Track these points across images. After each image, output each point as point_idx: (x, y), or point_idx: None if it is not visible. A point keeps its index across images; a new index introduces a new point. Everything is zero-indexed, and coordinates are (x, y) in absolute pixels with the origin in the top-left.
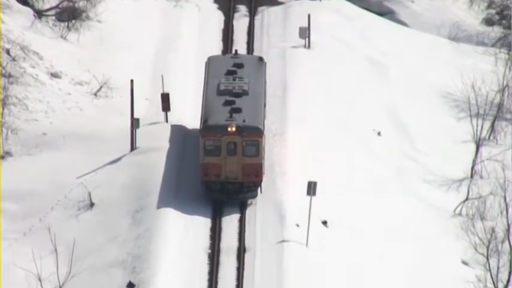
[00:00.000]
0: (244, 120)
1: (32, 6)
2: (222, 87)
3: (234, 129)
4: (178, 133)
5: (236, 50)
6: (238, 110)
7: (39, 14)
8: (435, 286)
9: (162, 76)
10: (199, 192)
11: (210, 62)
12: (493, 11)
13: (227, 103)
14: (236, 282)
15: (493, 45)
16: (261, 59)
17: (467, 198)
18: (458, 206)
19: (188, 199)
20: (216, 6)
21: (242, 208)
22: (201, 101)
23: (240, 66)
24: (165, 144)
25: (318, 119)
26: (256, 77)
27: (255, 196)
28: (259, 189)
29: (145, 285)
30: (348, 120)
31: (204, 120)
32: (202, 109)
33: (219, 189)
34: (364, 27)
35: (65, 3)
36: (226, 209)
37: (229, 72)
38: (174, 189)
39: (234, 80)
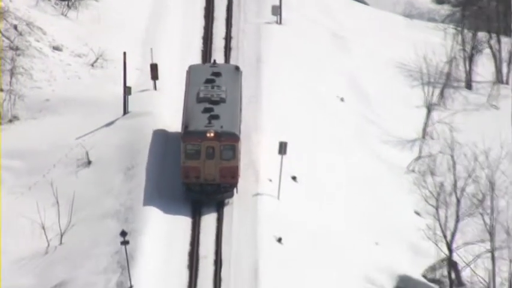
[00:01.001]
0: (221, 127)
1: None
2: (201, 95)
3: (212, 134)
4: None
5: (215, 60)
6: (216, 117)
7: None
8: (391, 233)
9: (151, 49)
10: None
11: (191, 71)
12: None
13: (206, 110)
14: (216, 225)
15: (442, 22)
16: (237, 68)
17: (419, 157)
18: (411, 163)
19: (175, 162)
20: None
21: None
22: (182, 107)
23: (218, 75)
24: (154, 109)
25: (288, 87)
26: (232, 85)
27: (231, 196)
28: (235, 189)
29: (137, 233)
30: (314, 87)
31: (185, 126)
32: (183, 115)
33: (199, 190)
34: (329, 6)
35: None
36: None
37: (208, 81)
38: (162, 151)
39: (212, 88)
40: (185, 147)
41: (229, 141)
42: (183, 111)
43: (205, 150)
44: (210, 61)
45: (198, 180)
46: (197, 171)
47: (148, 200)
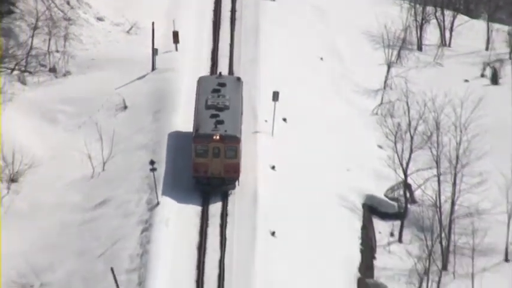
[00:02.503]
0: (226, 130)
1: None
2: (209, 103)
3: (218, 137)
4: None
5: (220, 72)
6: (221, 122)
7: None
8: (359, 162)
9: (173, 20)
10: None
11: (200, 82)
12: None
13: (213, 116)
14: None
15: None
16: (238, 79)
17: (381, 103)
18: (375, 108)
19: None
20: None
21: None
22: (193, 112)
23: (223, 85)
24: (175, 66)
25: (280, 49)
26: (235, 94)
27: (233, 188)
28: (236, 182)
29: (162, 162)
30: (300, 49)
31: (196, 129)
32: (194, 120)
33: (206, 183)
34: None
35: None
36: None
37: (215, 90)
38: (187, 102)
39: (218, 97)
40: (195, 147)
41: (232, 143)
42: (194, 115)
43: (212, 150)
44: (218, 29)
45: (206, 174)
46: (205, 167)
47: (171, 137)
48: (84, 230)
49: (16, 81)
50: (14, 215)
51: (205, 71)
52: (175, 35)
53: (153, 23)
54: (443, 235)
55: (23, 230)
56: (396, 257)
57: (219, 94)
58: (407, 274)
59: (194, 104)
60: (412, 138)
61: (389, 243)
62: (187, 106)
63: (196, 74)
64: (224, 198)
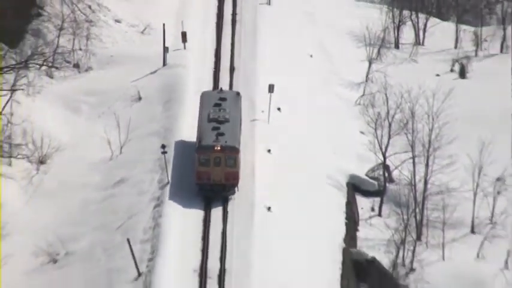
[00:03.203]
0: (226, 142)
1: None
2: (211, 116)
3: (219, 148)
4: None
5: (221, 88)
6: (222, 134)
7: None
8: (344, 146)
9: (182, 21)
10: None
11: (203, 96)
12: None
13: (214, 128)
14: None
15: (379, 3)
16: (238, 93)
17: (363, 94)
18: (358, 99)
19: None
20: None
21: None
22: (197, 125)
23: (223, 99)
24: (183, 62)
25: (275, 47)
26: (234, 108)
27: (233, 193)
28: (236, 188)
29: (172, 146)
30: (292, 47)
31: (199, 141)
32: (197, 131)
33: (209, 189)
34: None
35: None
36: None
37: (216, 105)
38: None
39: (219, 111)
40: (199, 157)
41: (232, 153)
42: (197, 127)
43: (214, 159)
44: (221, 29)
45: (209, 181)
46: (208, 175)
47: (182, 123)
48: (104, 206)
49: (44, 76)
50: (42, 192)
51: (209, 66)
52: (184, 35)
53: (164, 25)
54: (417, 210)
55: (50, 205)
56: (376, 229)
57: (220, 108)
58: (386, 244)
59: (198, 117)
60: (390, 125)
61: (370, 217)
62: (194, 97)
63: (202, 69)
64: None
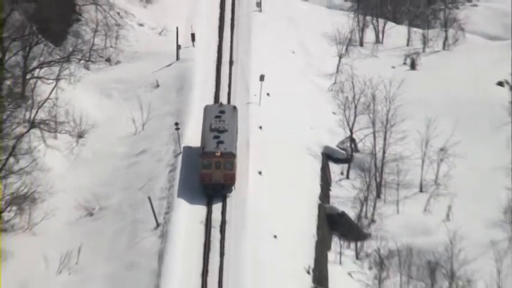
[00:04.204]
0: (225, 148)
1: None
2: (212, 126)
3: (219, 154)
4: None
5: (221, 102)
6: (221, 142)
7: None
8: (320, 123)
9: (191, 25)
10: None
11: (206, 109)
12: None
13: (215, 137)
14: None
15: (347, 10)
16: (235, 107)
17: (334, 82)
18: (330, 86)
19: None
20: None
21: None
22: (201, 132)
23: (223, 112)
24: (192, 57)
25: (267, 46)
26: (232, 119)
27: (230, 191)
28: (233, 187)
29: (184, 124)
30: (278, 45)
31: (203, 147)
32: (201, 139)
33: (211, 188)
34: (287, 2)
35: None
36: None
37: (217, 116)
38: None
39: (219, 122)
40: (202, 161)
41: (229, 158)
42: (201, 135)
43: (215, 163)
44: (222, 31)
45: (210, 181)
46: (210, 176)
47: (192, 105)
48: (129, 171)
49: (82, 68)
50: (81, 160)
51: (213, 60)
52: (193, 36)
53: (177, 28)
54: (377, 174)
55: (87, 170)
56: (345, 189)
57: (220, 119)
58: (353, 201)
59: (202, 127)
60: (355, 107)
61: (340, 180)
62: (201, 85)
63: (207, 62)
64: None
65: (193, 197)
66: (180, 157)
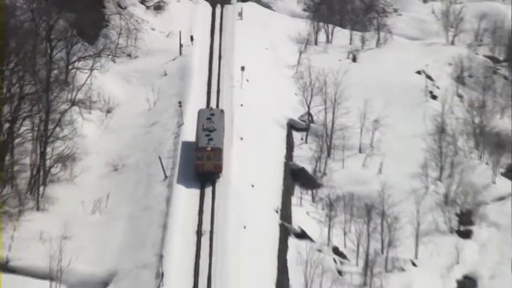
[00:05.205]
0: (214, 144)
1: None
2: (204, 126)
3: (209, 148)
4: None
5: (212, 107)
6: (211, 139)
7: (142, 2)
8: (284, 102)
9: (191, 29)
10: None
11: (199, 112)
12: (310, 3)
13: (206, 135)
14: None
15: (305, 18)
16: (222, 111)
17: (296, 72)
18: (293, 74)
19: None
20: (207, 3)
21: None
22: (195, 130)
23: (212, 115)
24: (192, 53)
25: (246, 45)
26: (220, 120)
27: (218, 178)
28: (220, 174)
29: (185, 103)
30: (255, 44)
31: (197, 143)
32: (195, 136)
33: (203, 175)
34: (259, 12)
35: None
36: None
37: (208, 118)
38: (198, 71)
39: (210, 123)
40: (196, 154)
41: (218, 152)
42: (195, 133)
43: (206, 156)
44: (213, 34)
45: (203, 170)
46: (202, 166)
47: (191, 88)
48: (145, 138)
49: (110, 61)
50: (109, 129)
51: (206, 56)
52: (192, 37)
53: (180, 31)
54: (328, 139)
55: (114, 137)
56: (304, 151)
57: (210, 121)
58: (310, 159)
59: (196, 127)
60: (312, 90)
61: (300, 144)
62: (198, 73)
63: (202, 57)
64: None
65: (192, 158)
66: (182, 128)
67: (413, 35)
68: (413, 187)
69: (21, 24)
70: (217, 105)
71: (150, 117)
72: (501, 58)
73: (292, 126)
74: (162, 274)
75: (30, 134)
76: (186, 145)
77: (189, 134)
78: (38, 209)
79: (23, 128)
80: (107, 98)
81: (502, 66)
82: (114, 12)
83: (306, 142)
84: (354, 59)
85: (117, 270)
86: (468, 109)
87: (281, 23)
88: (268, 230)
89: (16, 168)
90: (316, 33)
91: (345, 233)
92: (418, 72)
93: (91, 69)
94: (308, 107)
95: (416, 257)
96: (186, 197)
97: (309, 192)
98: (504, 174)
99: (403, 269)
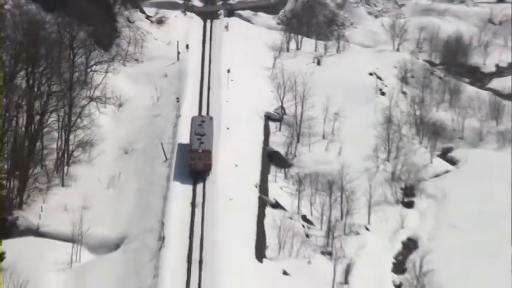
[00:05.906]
0: (204, 147)
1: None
2: (196, 131)
3: (201, 150)
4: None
5: (203, 115)
6: (202, 142)
7: (147, 17)
8: (262, 98)
9: (186, 39)
10: None
11: (192, 120)
12: (283, 18)
13: (198, 139)
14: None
15: (279, 30)
16: (211, 117)
17: (272, 73)
18: (270, 75)
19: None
20: (200, 18)
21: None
22: (189, 134)
23: (203, 121)
24: (188, 58)
25: (231, 52)
26: (209, 126)
27: (208, 175)
28: (210, 172)
29: (182, 98)
30: (239, 51)
31: (190, 146)
32: (189, 140)
33: (196, 173)
34: (243, 25)
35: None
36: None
37: (199, 124)
38: (192, 73)
39: (201, 128)
40: (189, 155)
41: (208, 153)
42: (189, 137)
43: (198, 156)
44: (204, 43)
45: (196, 169)
46: (195, 165)
47: (187, 87)
48: (150, 127)
49: (121, 65)
50: (120, 120)
51: (199, 61)
52: (187, 46)
53: (177, 41)
54: (297, 128)
55: (125, 126)
56: (278, 137)
57: (201, 126)
58: (283, 144)
59: (189, 132)
60: (284, 87)
61: (275, 131)
62: (192, 75)
63: (195, 62)
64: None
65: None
66: (180, 119)
67: (366, 43)
68: (367, 166)
69: (49, 35)
70: (208, 101)
71: (153, 111)
72: (437, 62)
73: (268, 117)
74: (164, 237)
75: (56, 124)
76: (182, 146)
77: (184, 137)
78: (62, 185)
79: (50, 120)
80: (118, 95)
81: (437, 69)
82: (125, 26)
83: (279, 130)
84: (319, 63)
85: (127, 234)
86: (410, 103)
87: (260, 34)
88: (249, 201)
89: (45, 152)
90: (288, 42)
91: (311, 204)
92: (370, 74)
93: (106, 72)
94: (281, 102)
95: (369, 223)
96: (182, 176)
97: (282, 171)
98: (439, 156)
99: (358, 233)
